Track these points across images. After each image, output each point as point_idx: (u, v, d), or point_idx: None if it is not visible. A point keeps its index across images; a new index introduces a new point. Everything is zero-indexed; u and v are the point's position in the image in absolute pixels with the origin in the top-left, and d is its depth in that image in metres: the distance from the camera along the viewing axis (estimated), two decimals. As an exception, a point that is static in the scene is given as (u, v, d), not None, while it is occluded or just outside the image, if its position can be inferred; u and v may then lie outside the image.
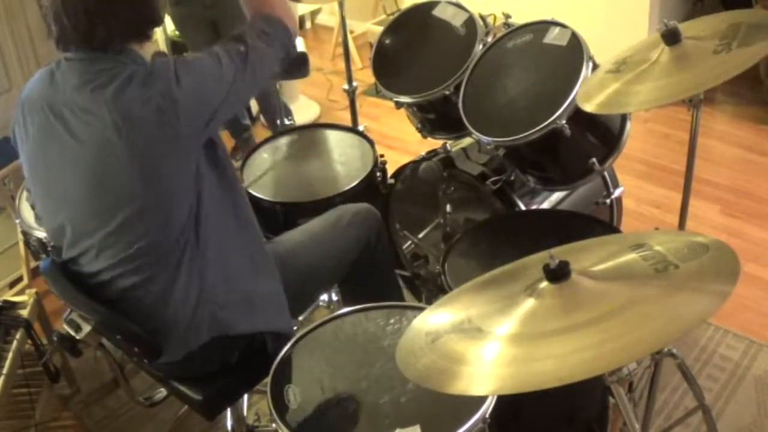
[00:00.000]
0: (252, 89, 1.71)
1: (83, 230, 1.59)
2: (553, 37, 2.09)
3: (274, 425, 1.47)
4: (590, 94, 1.68)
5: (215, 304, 1.65)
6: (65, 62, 1.55)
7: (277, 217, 2.24)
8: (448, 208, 2.44)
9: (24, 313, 2.14)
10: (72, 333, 1.61)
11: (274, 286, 1.77)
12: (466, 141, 2.44)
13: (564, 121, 1.94)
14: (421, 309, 1.50)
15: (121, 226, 1.54)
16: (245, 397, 2.08)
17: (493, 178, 2.21)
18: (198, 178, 1.56)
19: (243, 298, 1.70)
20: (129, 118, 1.46)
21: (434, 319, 1.29)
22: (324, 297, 2.44)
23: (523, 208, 2.23)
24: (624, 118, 2.11)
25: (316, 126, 2.73)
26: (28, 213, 2.32)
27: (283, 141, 2.56)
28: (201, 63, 1.57)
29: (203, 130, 1.55)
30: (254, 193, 2.27)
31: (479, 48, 2.24)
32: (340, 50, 3.35)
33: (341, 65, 4.04)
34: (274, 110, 3.37)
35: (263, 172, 2.40)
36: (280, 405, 1.50)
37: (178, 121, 1.49)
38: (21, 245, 2.84)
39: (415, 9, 2.53)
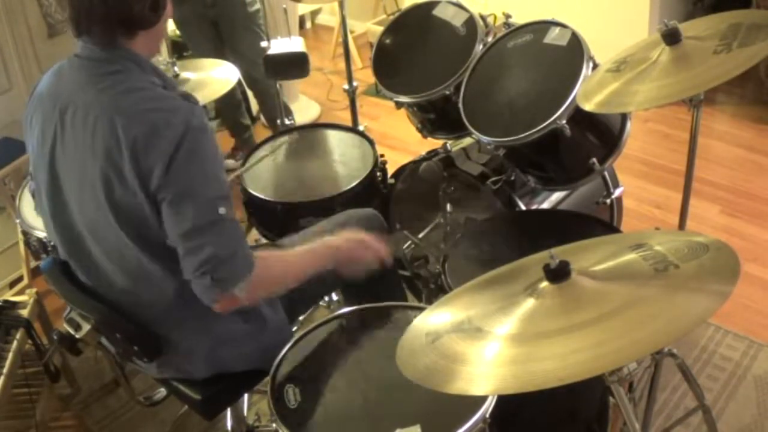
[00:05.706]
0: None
1: (73, 229, 1.58)
2: (553, 37, 2.09)
3: (274, 425, 1.47)
4: (590, 93, 1.68)
5: (215, 337, 1.65)
6: (75, 59, 1.54)
7: (277, 217, 2.24)
8: (449, 208, 2.43)
9: (24, 312, 2.14)
10: (72, 332, 1.62)
11: (281, 316, 1.78)
12: (467, 141, 2.44)
13: (564, 121, 1.93)
14: (421, 309, 1.50)
15: (107, 227, 1.52)
16: (245, 397, 2.08)
17: (494, 178, 2.21)
18: None
19: (245, 334, 1.69)
20: (131, 121, 1.45)
21: (434, 319, 1.29)
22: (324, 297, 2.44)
23: (523, 208, 2.23)
24: (624, 118, 2.11)
25: (316, 126, 2.73)
26: (28, 213, 2.32)
27: (284, 141, 2.55)
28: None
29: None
30: (254, 193, 2.27)
31: (479, 48, 2.24)
32: (341, 50, 3.36)
33: (341, 65, 4.05)
34: (275, 110, 3.36)
35: (257, 160, 2.41)
36: (280, 405, 1.50)
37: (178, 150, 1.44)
38: (21, 245, 2.84)
39: (415, 9, 2.53)
